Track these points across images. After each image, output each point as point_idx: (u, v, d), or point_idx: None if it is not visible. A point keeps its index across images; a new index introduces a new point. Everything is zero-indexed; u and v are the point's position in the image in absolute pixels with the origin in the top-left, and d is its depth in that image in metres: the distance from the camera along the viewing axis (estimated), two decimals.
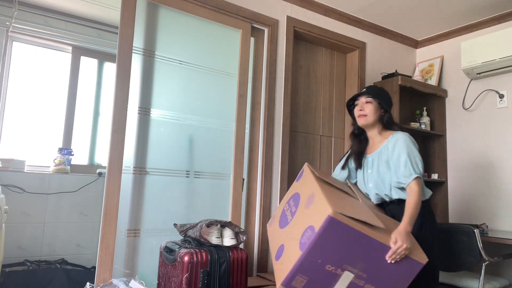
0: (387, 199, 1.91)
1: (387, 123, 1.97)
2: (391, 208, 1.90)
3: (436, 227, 1.89)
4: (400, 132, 1.92)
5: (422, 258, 1.56)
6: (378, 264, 1.52)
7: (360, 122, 1.99)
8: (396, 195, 1.86)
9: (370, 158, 1.99)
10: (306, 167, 1.88)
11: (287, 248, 1.59)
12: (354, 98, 2.04)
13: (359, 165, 2.04)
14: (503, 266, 2.97)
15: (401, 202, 1.83)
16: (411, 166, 1.78)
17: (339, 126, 3.33)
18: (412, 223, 1.67)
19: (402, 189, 1.84)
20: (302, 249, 1.48)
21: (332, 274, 1.49)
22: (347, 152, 2.15)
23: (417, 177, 1.76)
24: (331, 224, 1.45)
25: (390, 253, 1.50)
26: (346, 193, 1.82)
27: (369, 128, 2.01)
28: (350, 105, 2.09)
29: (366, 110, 1.96)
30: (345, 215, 1.47)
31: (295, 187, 1.88)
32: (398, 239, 1.51)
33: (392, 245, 1.51)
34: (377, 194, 1.94)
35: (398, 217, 1.78)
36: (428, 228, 1.83)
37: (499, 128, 3.13)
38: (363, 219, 1.50)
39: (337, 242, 1.47)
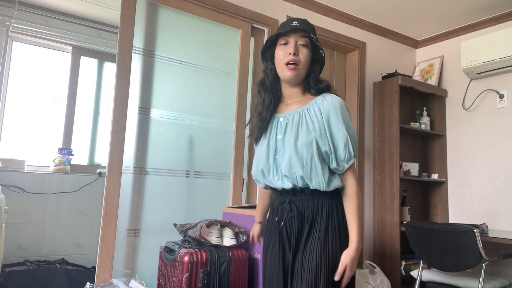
0: (299, 185, 1.34)
1: (314, 80, 1.39)
2: (299, 199, 1.35)
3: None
4: (332, 94, 1.37)
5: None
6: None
7: (289, 74, 1.34)
8: (316, 183, 1.31)
9: (281, 119, 1.40)
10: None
11: None
12: (282, 34, 1.36)
13: (265, 128, 1.42)
14: (503, 266, 2.97)
15: (315, 192, 1.34)
16: (352, 147, 1.32)
17: None
18: (360, 235, 1.30)
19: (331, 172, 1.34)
20: None
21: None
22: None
23: (353, 164, 1.34)
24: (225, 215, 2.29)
25: (337, 276, 1.27)
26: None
27: (293, 84, 1.40)
28: (270, 44, 1.41)
29: (301, 56, 1.34)
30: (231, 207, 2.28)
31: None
32: (348, 266, 1.28)
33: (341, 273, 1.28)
34: (286, 176, 1.35)
35: (308, 212, 1.33)
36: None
37: (499, 128, 3.13)
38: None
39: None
